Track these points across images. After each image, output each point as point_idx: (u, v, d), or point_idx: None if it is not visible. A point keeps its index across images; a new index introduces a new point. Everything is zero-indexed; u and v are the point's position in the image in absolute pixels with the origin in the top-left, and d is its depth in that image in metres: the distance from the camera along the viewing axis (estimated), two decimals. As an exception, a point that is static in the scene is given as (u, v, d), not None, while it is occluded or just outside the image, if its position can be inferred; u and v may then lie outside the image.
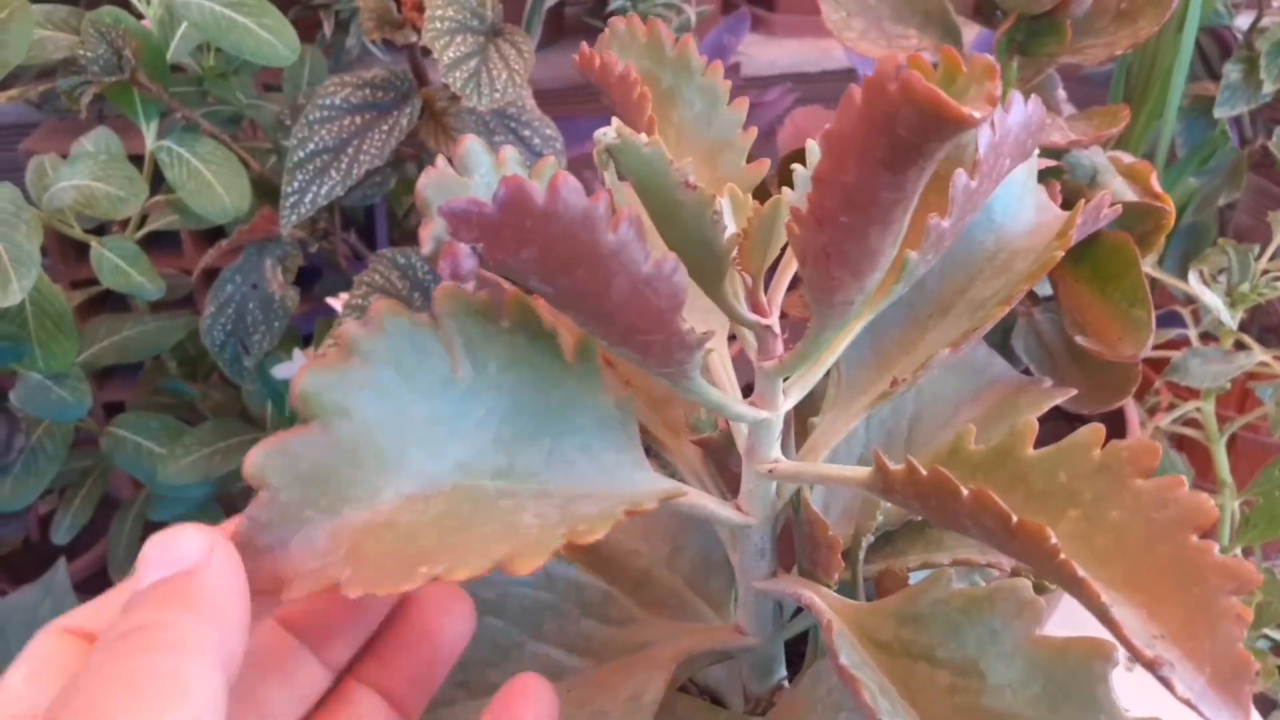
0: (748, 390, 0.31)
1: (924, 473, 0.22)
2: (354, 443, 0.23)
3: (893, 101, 0.19)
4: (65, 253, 0.90)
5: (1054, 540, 0.20)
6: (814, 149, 0.27)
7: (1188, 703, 0.20)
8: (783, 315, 0.29)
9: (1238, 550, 0.62)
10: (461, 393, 0.24)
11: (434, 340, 0.24)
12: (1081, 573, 0.20)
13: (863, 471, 0.26)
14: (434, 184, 0.25)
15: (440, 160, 0.25)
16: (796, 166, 0.26)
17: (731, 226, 0.25)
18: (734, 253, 0.24)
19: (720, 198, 0.24)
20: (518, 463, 0.24)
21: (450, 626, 0.27)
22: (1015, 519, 0.20)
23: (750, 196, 0.26)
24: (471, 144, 0.25)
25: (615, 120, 0.22)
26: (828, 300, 0.24)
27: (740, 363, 0.32)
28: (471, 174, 0.25)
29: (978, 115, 0.18)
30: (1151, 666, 0.20)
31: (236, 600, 0.21)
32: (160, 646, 0.20)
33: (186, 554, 0.21)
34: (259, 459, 0.22)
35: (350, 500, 0.22)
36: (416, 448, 0.23)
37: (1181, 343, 0.66)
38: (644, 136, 0.21)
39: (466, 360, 0.24)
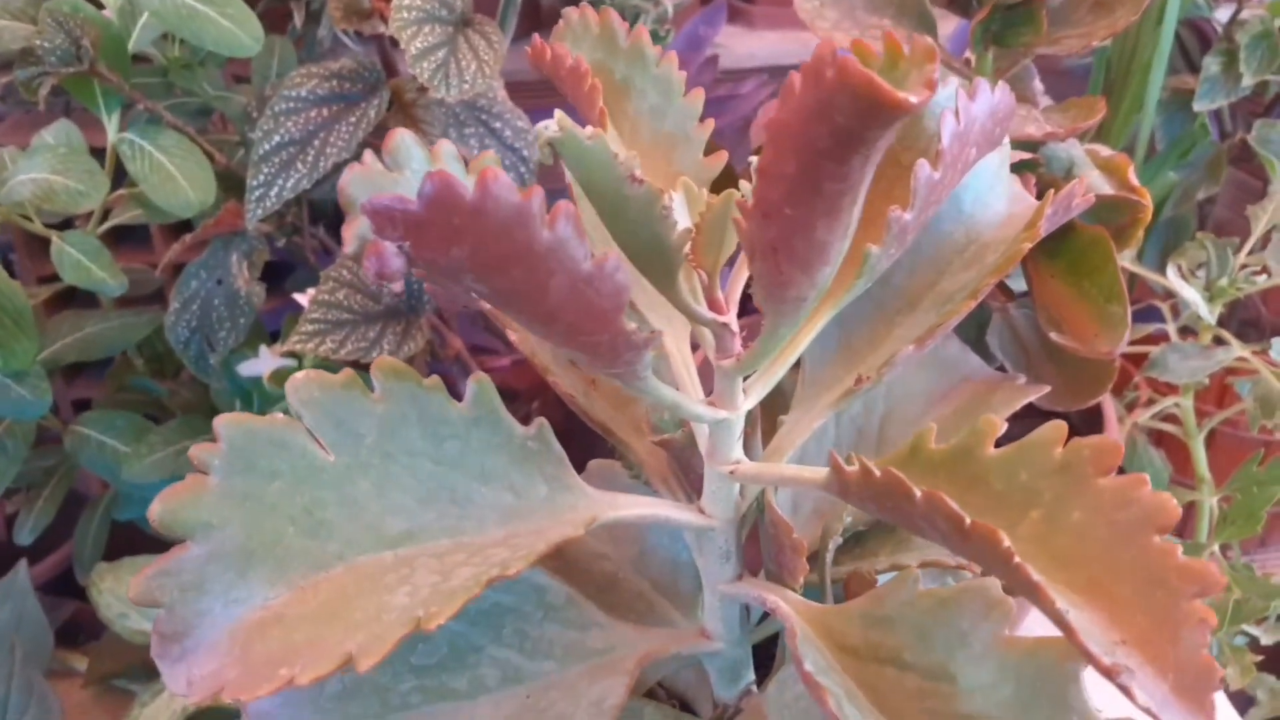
0: (712, 390, 0.30)
1: (878, 474, 0.21)
2: (229, 550, 0.24)
3: (829, 88, 0.18)
4: (31, 248, 0.89)
5: (1007, 543, 0.19)
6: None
7: (1149, 711, 0.19)
8: (755, 311, 0.28)
9: (1216, 546, 0.61)
10: (337, 475, 0.25)
11: (292, 434, 0.24)
12: (1036, 577, 0.19)
13: (820, 473, 0.25)
14: (359, 180, 0.24)
15: (368, 155, 0.24)
16: (754, 159, 0.25)
17: (685, 221, 0.24)
18: (687, 248, 0.23)
19: (673, 192, 0.23)
20: (423, 523, 0.25)
21: None
22: (969, 521, 0.19)
23: (707, 191, 0.25)
24: (402, 138, 0.24)
25: (558, 112, 0.21)
26: (780, 295, 0.23)
27: (706, 363, 0.31)
28: (402, 169, 0.25)
29: (914, 99, 0.17)
30: (1109, 674, 0.19)
31: None
32: None
33: None
34: (142, 585, 0.23)
35: (239, 601, 0.23)
36: (299, 538, 0.24)
37: (1160, 337, 0.65)
38: (587, 129, 0.20)
39: (340, 442, 0.25)
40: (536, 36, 0.26)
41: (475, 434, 0.26)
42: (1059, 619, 0.19)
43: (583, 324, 0.21)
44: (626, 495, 0.27)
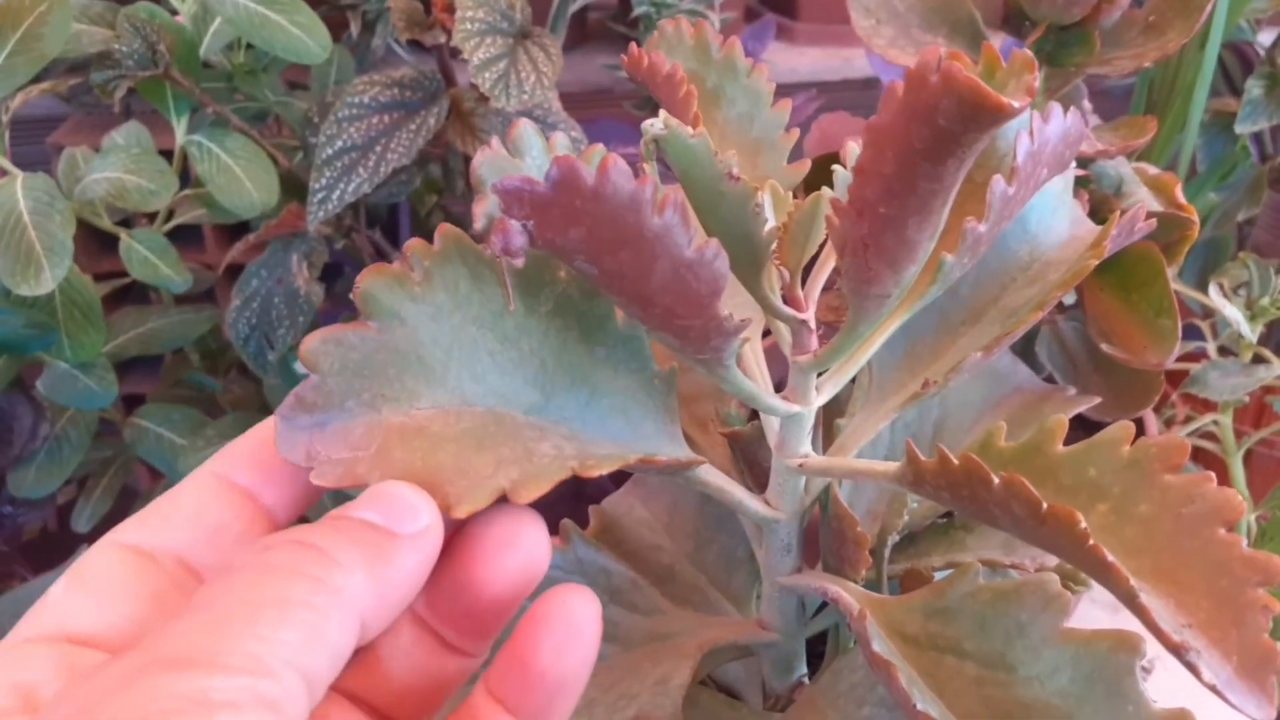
0: (779, 386, 0.31)
1: (956, 462, 0.22)
2: (403, 348, 0.23)
3: (934, 92, 0.19)
4: (89, 245, 0.91)
5: (1083, 525, 0.20)
6: (854, 152, 0.28)
7: (1214, 689, 0.20)
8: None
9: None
10: (511, 328, 0.25)
11: (492, 275, 0.24)
12: (1110, 558, 0.20)
13: (891, 466, 0.26)
14: (488, 163, 0.25)
15: (495, 141, 0.25)
16: (836, 167, 0.26)
17: (772, 221, 0.25)
18: (773, 246, 0.24)
19: (762, 192, 0.25)
20: (552, 404, 0.25)
21: (512, 560, 0.24)
22: (1045, 505, 0.21)
23: (791, 194, 0.26)
24: (525, 127, 0.26)
25: (662, 112, 0.22)
26: (864, 292, 0.24)
27: (770, 359, 0.33)
28: (524, 156, 0.26)
29: (1016, 105, 0.19)
30: (1178, 651, 0.20)
31: (412, 586, 0.22)
32: (321, 581, 0.20)
33: (405, 518, 0.21)
34: (315, 344, 0.23)
35: (390, 400, 0.23)
36: (459, 367, 0.24)
37: (1199, 355, 0.66)
38: (690, 128, 0.22)
39: (520, 299, 0.25)
40: (634, 45, 0.27)
41: (623, 348, 0.26)
42: (1130, 598, 0.20)
43: (679, 308, 0.22)
44: (710, 467, 0.28)
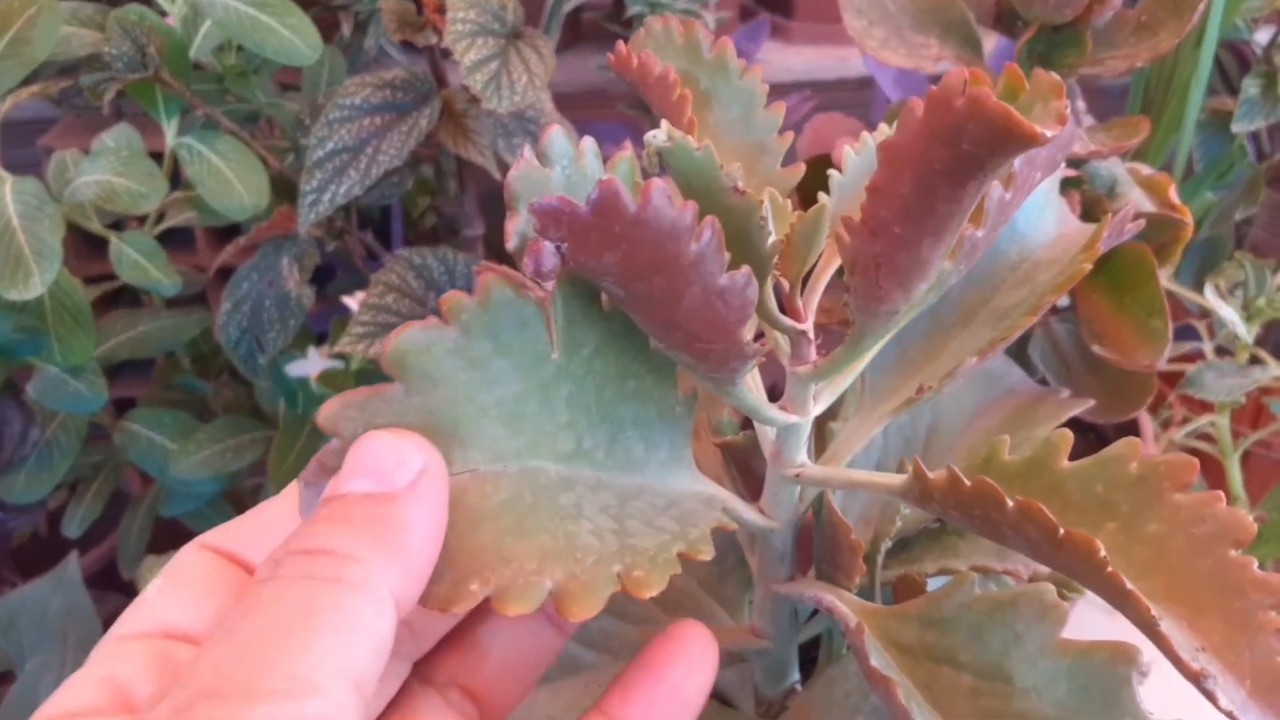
0: (770, 391, 0.31)
1: (967, 483, 0.22)
2: (434, 409, 0.22)
3: (958, 116, 0.18)
4: (79, 248, 0.91)
5: (1102, 553, 0.20)
6: (849, 156, 0.27)
7: (1230, 714, 0.20)
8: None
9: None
10: (553, 373, 0.23)
11: (537, 317, 0.23)
12: (1130, 586, 0.20)
13: (897, 478, 0.26)
14: (523, 177, 0.24)
15: (527, 150, 0.24)
16: (833, 173, 0.26)
17: (774, 234, 0.24)
18: (775, 258, 0.24)
19: (764, 203, 0.24)
20: (581, 450, 0.24)
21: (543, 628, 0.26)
22: (1063, 531, 0.20)
23: (788, 201, 0.26)
24: (555, 134, 0.25)
25: (664, 123, 0.22)
26: (873, 310, 0.23)
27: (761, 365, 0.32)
28: (554, 165, 0.25)
29: (1049, 134, 0.18)
30: (1196, 679, 0.20)
31: (430, 541, 0.20)
32: (342, 581, 0.19)
33: (395, 472, 0.20)
34: (334, 410, 0.21)
35: None
36: (495, 423, 0.22)
37: (1196, 356, 0.66)
38: (694, 140, 0.21)
39: (564, 341, 0.23)
40: (621, 43, 0.27)
41: (652, 377, 0.25)
42: (1150, 626, 0.20)
43: (705, 332, 0.22)
44: (732, 496, 0.28)
